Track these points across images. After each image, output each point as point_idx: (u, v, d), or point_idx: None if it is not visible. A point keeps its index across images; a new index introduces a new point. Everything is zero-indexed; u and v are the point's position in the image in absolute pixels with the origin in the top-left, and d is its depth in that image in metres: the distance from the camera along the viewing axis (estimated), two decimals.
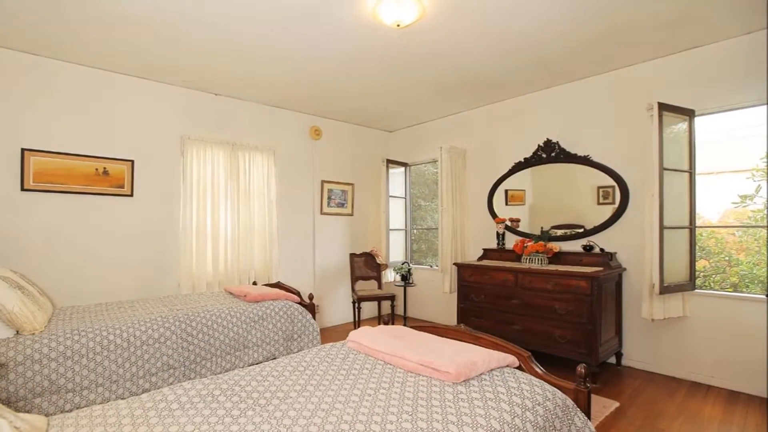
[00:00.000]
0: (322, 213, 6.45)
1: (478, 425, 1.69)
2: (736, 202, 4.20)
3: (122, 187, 4.63)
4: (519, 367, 2.36)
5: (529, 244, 4.83)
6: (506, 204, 5.69)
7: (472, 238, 6.10)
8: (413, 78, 4.88)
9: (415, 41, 3.94)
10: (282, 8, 3.34)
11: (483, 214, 5.95)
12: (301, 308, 4.26)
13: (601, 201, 4.76)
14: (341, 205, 6.71)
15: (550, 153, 5.14)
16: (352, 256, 6.29)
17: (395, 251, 7.00)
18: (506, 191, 5.68)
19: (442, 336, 2.81)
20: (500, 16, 3.49)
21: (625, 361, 4.56)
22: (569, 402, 2.06)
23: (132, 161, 4.69)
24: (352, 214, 6.87)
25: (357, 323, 5.91)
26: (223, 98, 5.44)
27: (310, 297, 4.55)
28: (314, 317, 4.37)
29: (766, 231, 4.09)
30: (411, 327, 3.03)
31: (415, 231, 7.56)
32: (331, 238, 6.59)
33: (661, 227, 3.92)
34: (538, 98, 5.35)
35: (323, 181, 6.47)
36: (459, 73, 4.75)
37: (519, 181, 5.56)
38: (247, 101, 5.66)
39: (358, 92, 5.37)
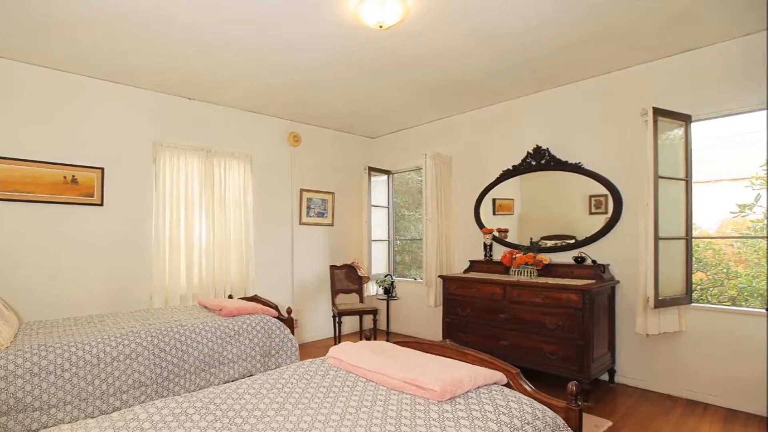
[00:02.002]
0: (301, 223, 6.48)
1: None
2: (734, 211, 4.22)
3: (91, 195, 4.62)
4: (507, 385, 2.40)
5: (517, 255, 4.87)
6: (494, 213, 5.73)
7: (458, 249, 6.14)
8: (397, 82, 4.93)
9: (398, 43, 3.98)
10: (260, 9, 3.37)
11: (469, 225, 6.00)
12: (278, 323, 4.28)
13: (593, 210, 4.82)
14: (321, 214, 6.74)
15: (539, 160, 5.19)
16: (333, 268, 6.31)
17: (378, 263, 7.04)
18: (494, 200, 5.73)
19: (426, 352, 2.85)
20: (488, 17, 3.53)
21: (618, 378, 4.60)
22: (560, 421, 2.11)
23: (102, 169, 4.69)
24: (332, 225, 6.91)
25: (337, 338, 5.93)
26: (197, 103, 5.46)
27: (289, 311, 4.57)
28: (293, 332, 4.40)
29: (765, 242, 4.10)
30: (394, 342, 3.07)
31: (398, 242, 7.60)
32: (310, 249, 6.61)
33: (656, 238, 3.96)
34: (527, 103, 5.42)
35: (302, 190, 6.50)
36: (445, 77, 4.81)
37: (507, 189, 5.60)
38: (222, 106, 5.69)
39: (338, 96, 5.42)
